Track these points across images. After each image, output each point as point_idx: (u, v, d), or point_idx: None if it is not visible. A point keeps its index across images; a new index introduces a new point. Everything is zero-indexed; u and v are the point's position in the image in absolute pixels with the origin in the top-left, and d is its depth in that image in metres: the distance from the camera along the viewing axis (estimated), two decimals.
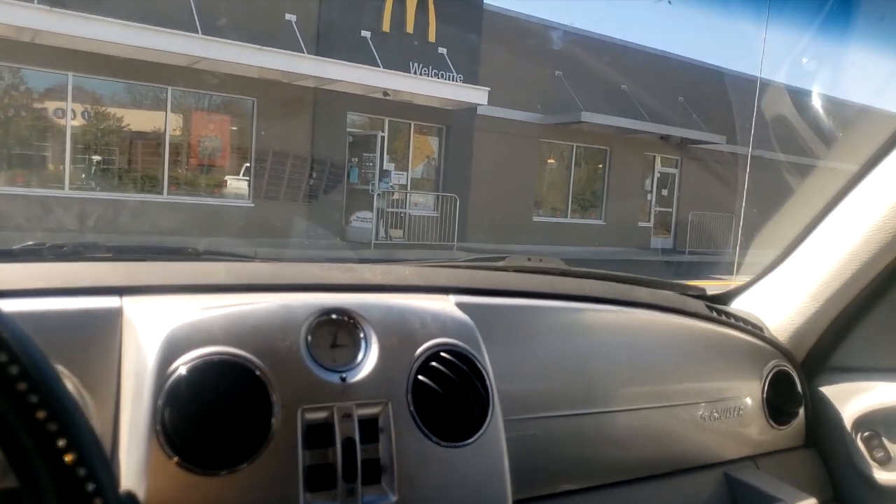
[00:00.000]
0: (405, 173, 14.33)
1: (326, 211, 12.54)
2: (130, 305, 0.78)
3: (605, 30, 15.53)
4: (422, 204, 14.25)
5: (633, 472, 1.11)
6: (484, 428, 0.82)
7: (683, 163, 18.03)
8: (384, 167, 13.46)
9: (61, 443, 0.42)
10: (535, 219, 15.91)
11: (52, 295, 0.77)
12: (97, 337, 0.76)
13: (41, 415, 0.42)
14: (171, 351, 0.71)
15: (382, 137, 13.44)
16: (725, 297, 1.45)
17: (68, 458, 0.42)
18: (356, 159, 13.54)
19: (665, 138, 16.70)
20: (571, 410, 1.05)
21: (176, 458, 0.67)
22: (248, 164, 12.53)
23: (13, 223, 9.35)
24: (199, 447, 0.68)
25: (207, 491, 0.68)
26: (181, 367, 0.70)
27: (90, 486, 0.43)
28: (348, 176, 13.27)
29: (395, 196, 13.87)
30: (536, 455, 1.00)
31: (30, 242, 1.05)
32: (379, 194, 13.03)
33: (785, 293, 1.36)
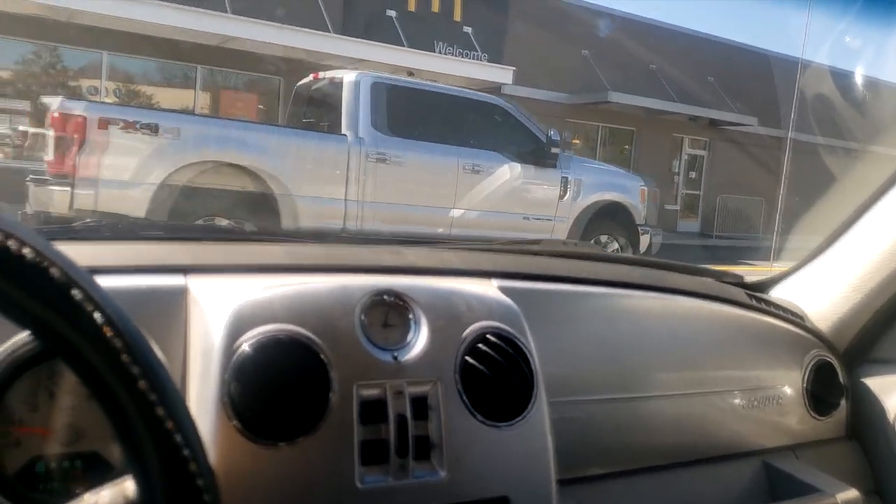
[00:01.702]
0: None
1: None
2: (195, 284, 0.82)
3: (633, 8, 15.29)
4: None
5: (670, 457, 1.12)
6: (529, 409, 0.85)
7: (713, 144, 17.75)
8: None
9: (160, 411, 0.45)
10: None
11: (123, 273, 0.80)
12: (165, 314, 0.79)
13: (143, 385, 0.45)
14: (237, 328, 0.74)
15: None
16: (765, 285, 1.44)
17: (169, 425, 0.45)
18: None
19: (694, 119, 16.43)
20: (610, 395, 1.06)
21: (242, 430, 0.71)
22: None
23: None
24: (262, 420, 0.72)
25: (270, 461, 0.72)
26: (246, 343, 0.73)
27: (186, 452, 0.46)
28: None
29: None
30: (575, 438, 1.02)
31: (88, 220, 1.10)
32: None
33: (827, 282, 1.36)
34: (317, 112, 6.85)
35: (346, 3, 12.38)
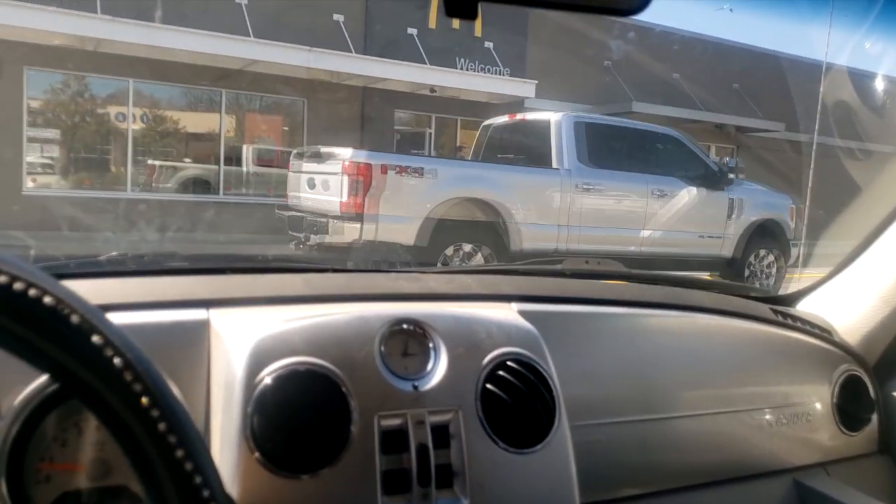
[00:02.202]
0: None
1: None
2: (217, 317, 0.83)
3: (655, 18, 15.23)
4: None
5: (698, 477, 1.11)
6: (551, 435, 0.84)
7: (739, 152, 17.53)
8: None
9: (180, 453, 0.46)
10: None
11: (146, 308, 0.82)
12: (188, 348, 0.81)
13: (163, 427, 0.46)
14: (258, 361, 0.75)
15: (430, 133, 13.54)
16: (790, 299, 1.42)
17: (188, 466, 0.46)
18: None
19: (720, 127, 16.26)
20: (635, 416, 1.05)
21: (265, 463, 0.72)
22: None
23: (84, 224, 9.79)
24: (285, 452, 0.72)
25: (293, 493, 0.72)
26: (267, 376, 0.74)
27: (205, 493, 0.47)
28: None
29: None
30: (600, 461, 1.01)
31: (114, 253, 1.12)
32: None
33: (855, 294, 1.33)
34: (514, 148, 7.81)
35: (367, 22, 12.53)
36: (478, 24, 13.38)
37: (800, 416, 1.20)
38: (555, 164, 7.03)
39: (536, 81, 13.10)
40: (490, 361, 0.84)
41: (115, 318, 0.79)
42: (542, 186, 6.95)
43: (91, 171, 11.67)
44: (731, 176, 7.60)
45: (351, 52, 11.82)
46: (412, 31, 12.68)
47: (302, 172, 7.09)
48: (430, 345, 0.84)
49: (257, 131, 12.95)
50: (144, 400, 0.47)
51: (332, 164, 6.43)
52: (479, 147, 8.19)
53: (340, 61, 11.51)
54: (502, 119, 8.10)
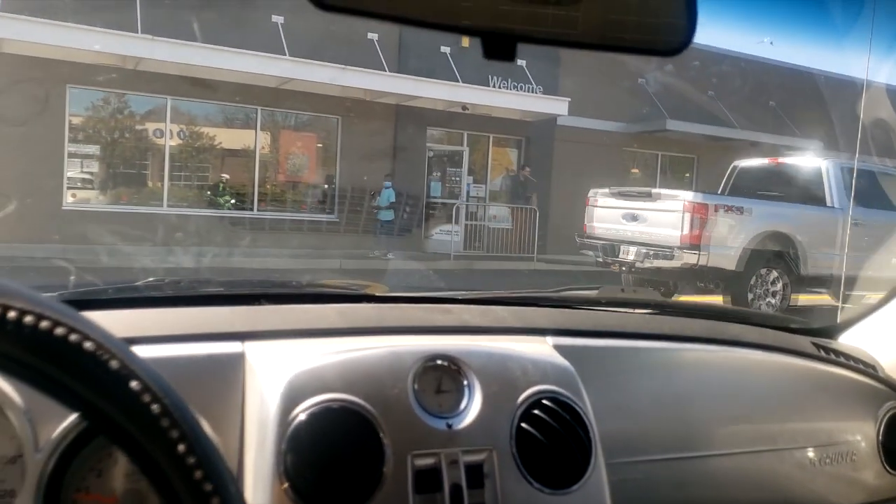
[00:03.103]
0: (483, 185, 14.35)
1: (408, 223, 12.74)
2: (252, 350, 0.83)
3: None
4: (501, 216, 14.22)
5: None
6: (587, 475, 0.83)
7: None
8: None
9: (216, 501, 0.46)
10: None
11: (183, 341, 0.82)
12: (222, 381, 0.81)
13: (199, 475, 0.46)
14: (292, 398, 0.75)
15: (465, 152, 13.62)
16: (833, 331, 1.38)
17: (215, 501, 0.46)
18: (438, 173, 13.82)
19: (755, 145, 16.00)
20: (673, 454, 1.03)
21: (298, 502, 0.71)
22: (333, 180, 12.94)
23: (121, 239, 10.00)
24: (318, 491, 0.72)
25: None
26: (301, 413, 0.74)
27: None
28: (429, 190, 13.49)
29: (474, 209, 13.96)
30: (637, 500, 0.99)
31: (151, 279, 1.14)
32: (458, 208, 13.19)
33: None
34: (772, 187, 9.02)
35: (400, 41, 12.66)
36: None
37: (843, 455, 1.16)
38: (828, 203, 8.33)
39: (569, 99, 13.07)
40: (525, 400, 0.83)
41: (152, 350, 0.80)
42: (823, 221, 8.30)
43: (129, 187, 11.94)
44: None
45: (385, 70, 11.94)
46: (445, 49, 12.77)
47: (612, 207, 8.71)
48: (465, 382, 0.84)
49: (292, 148, 13.14)
50: (181, 447, 0.47)
51: (665, 202, 8.08)
52: (727, 184, 9.52)
53: (374, 80, 11.63)
54: (757, 161, 9.57)
